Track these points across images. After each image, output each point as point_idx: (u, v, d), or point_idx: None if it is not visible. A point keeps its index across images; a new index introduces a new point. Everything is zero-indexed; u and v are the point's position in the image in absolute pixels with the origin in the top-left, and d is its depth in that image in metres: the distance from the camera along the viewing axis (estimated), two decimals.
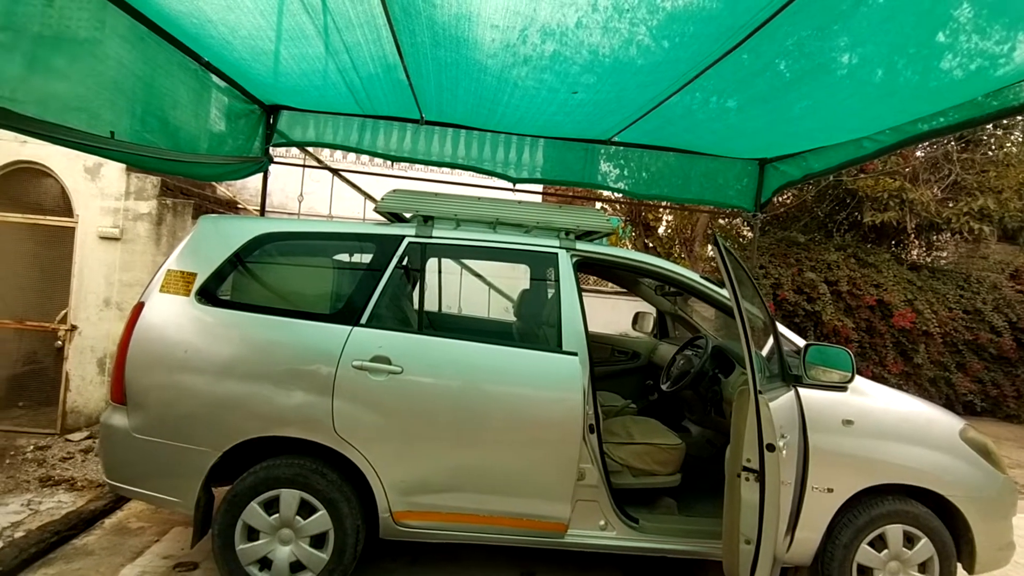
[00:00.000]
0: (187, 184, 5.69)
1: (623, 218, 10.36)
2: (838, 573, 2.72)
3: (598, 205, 11.41)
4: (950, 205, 9.34)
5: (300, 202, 5.84)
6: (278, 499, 2.55)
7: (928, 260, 10.58)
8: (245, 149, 4.19)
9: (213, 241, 2.79)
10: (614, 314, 7.66)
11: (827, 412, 2.73)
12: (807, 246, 9.32)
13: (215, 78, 3.47)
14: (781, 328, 2.88)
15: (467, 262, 3.30)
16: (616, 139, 4.83)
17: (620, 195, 5.28)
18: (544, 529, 2.66)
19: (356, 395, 2.57)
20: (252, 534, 2.55)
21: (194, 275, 2.68)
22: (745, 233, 11.15)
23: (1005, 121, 10.22)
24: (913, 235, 9.98)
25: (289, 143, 4.67)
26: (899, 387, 8.79)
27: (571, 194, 8.41)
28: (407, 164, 7.34)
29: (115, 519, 3.25)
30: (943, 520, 2.77)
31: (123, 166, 4.91)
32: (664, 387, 3.56)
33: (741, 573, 2.17)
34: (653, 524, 2.76)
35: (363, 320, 2.68)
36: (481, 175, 5.22)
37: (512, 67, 2.93)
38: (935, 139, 4.04)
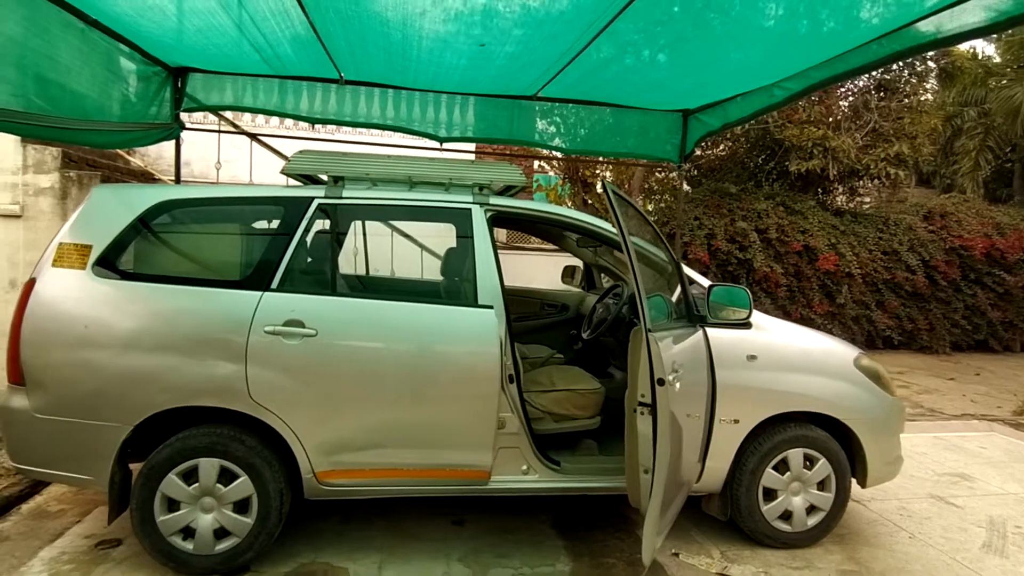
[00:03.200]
0: (94, 155, 5.37)
1: (561, 175, 10.39)
2: (746, 497, 2.92)
3: (536, 164, 11.39)
4: (869, 152, 9.76)
5: (218, 170, 5.60)
6: (197, 469, 2.53)
7: (852, 206, 11.08)
8: (149, 114, 3.97)
9: (110, 211, 2.67)
10: (557, 271, 7.79)
11: (733, 349, 2.88)
12: (739, 196, 9.60)
13: (107, 38, 3.25)
14: (688, 271, 3.00)
15: (381, 222, 3.27)
16: (542, 94, 4.82)
17: (559, 153, 5.31)
18: (468, 477, 2.74)
19: (270, 361, 2.55)
20: (172, 505, 2.53)
21: (89, 247, 2.57)
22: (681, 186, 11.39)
23: (919, 68, 10.66)
24: (836, 182, 10.41)
25: (202, 107, 4.44)
26: (825, 327, 9.36)
27: (508, 152, 8.35)
28: (332, 127, 7.16)
29: (33, 504, 3.16)
30: (839, 441, 3.00)
31: (17, 138, 4.59)
32: (584, 335, 3.67)
33: (642, 500, 2.31)
34: (574, 465, 2.88)
35: (274, 285, 2.64)
36: (409, 136, 5.15)
37: (413, 19, 2.86)
38: (837, 83, 4.18)
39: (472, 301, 2.76)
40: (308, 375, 2.58)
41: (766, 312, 9.20)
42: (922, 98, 11.14)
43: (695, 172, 11.45)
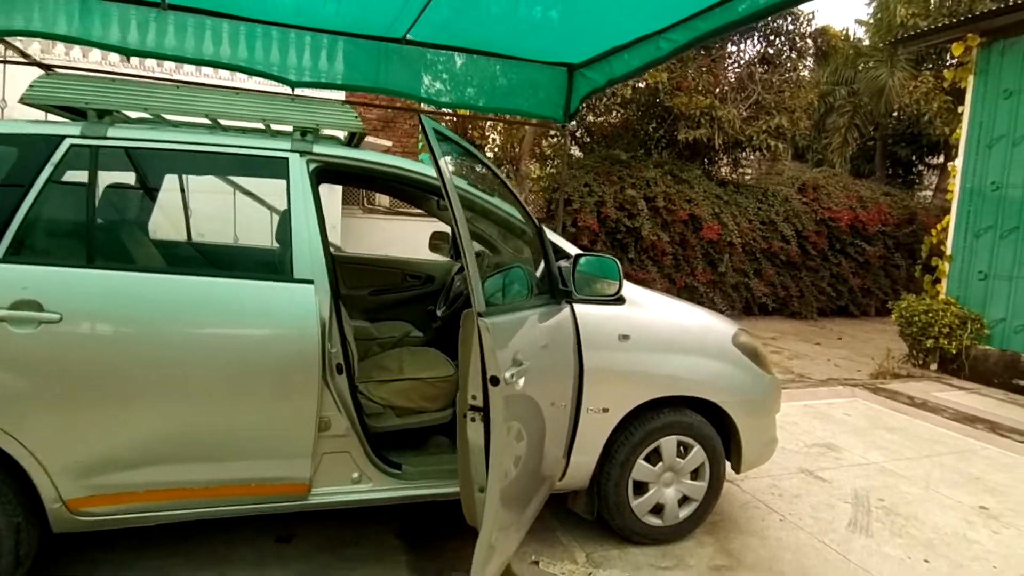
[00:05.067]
0: None
1: None
2: (615, 493, 2.61)
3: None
4: (752, 124, 9.94)
5: (3, 109, 4.51)
6: None
7: (735, 176, 11.37)
8: None
9: None
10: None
11: (603, 328, 2.52)
12: (629, 164, 9.47)
13: None
14: (556, 238, 2.58)
15: (166, 172, 2.58)
16: (411, 37, 4.22)
17: (435, 107, 4.78)
18: (281, 493, 2.21)
19: None
20: None
21: None
22: (574, 152, 11.15)
23: (799, 44, 10.97)
24: (721, 152, 10.57)
25: None
26: (707, 295, 9.55)
27: (383, 104, 7.61)
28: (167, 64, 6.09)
29: None
30: (713, 424, 2.76)
31: None
32: (439, 312, 3.20)
33: (479, 521, 1.89)
34: (419, 469, 2.42)
35: None
36: (254, 78, 4.36)
37: None
38: (724, 34, 3.95)
39: (286, 274, 2.18)
40: (48, 375, 1.92)
41: (653, 281, 9.13)
42: (801, 74, 11.53)
43: (588, 138, 11.23)
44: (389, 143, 9.00)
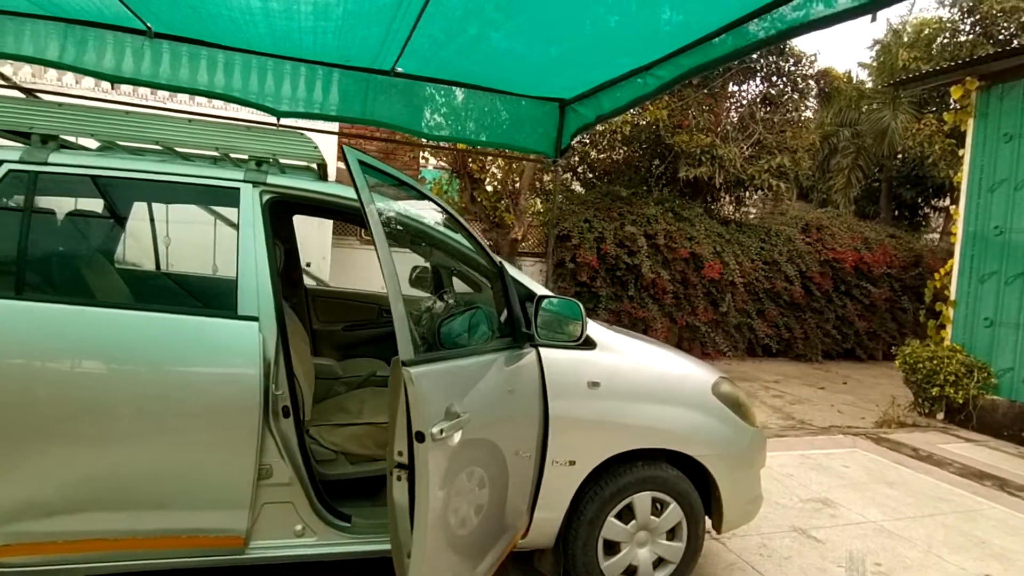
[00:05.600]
0: None
1: (450, 170, 9.76)
2: (583, 552, 2.41)
3: (424, 158, 10.71)
4: (754, 163, 9.89)
5: None
6: None
7: (738, 216, 11.27)
8: None
9: None
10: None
11: (571, 374, 2.37)
12: (629, 200, 9.40)
13: None
14: (522, 277, 2.45)
15: (113, 201, 2.49)
16: (399, 69, 4.20)
17: (445, 143, 4.77)
18: (213, 547, 2.04)
19: None
20: None
21: None
22: (575, 187, 11.13)
23: (801, 85, 10.99)
24: (723, 191, 10.51)
25: None
26: (709, 335, 9.34)
27: (382, 136, 7.62)
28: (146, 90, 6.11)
29: None
30: (692, 479, 2.57)
31: None
32: None
33: None
34: (371, 521, 2.25)
35: None
36: (245, 108, 4.34)
37: None
38: (710, 70, 3.90)
39: (229, 310, 2.06)
40: None
41: (653, 320, 8.92)
42: (803, 115, 11.53)
43: (590, 174, 11.22)
44: None
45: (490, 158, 9.07)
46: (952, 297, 6.72)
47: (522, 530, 2.32)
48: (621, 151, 10.98)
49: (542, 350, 2.32)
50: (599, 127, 9.93)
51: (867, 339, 10.53)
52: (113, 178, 2.11)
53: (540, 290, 2.42)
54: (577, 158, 10.84)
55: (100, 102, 3.31)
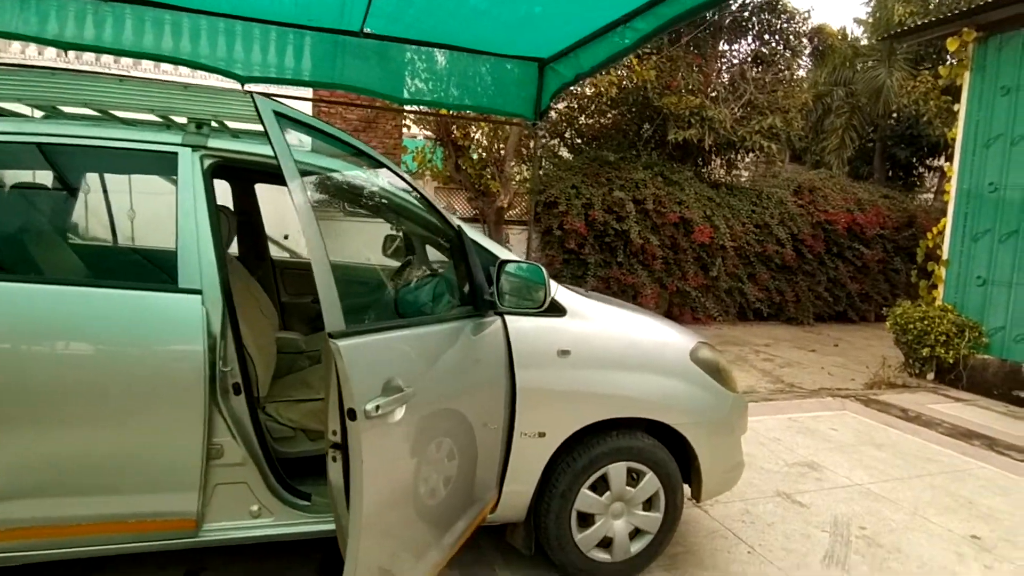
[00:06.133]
0: None
1: (433, 139, 9.50)
2: (555, 525, 2.33)
3: (408, 125, 10.42)
4: (745, 124, 9.66)
5: None
6: None
7: (730, 179, 11.07)
8: None
9: None
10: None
11: (539, 343, 2.26)
12: (617, 165, 9.20)
13: None
14: (486, 242, 2.32)
15: (37, 168, 2.33)
16: (367, 30, 3.99)
17: (427, 109, 4.59)
18: (164, 530, 1.95)
19: None
20: None
21: None
22: (562, 153, 10.90)
23: (793, 43, 10.69)
24: (713, 153, 10.30)
25: None
26: (700, 300, 9.26)
27: (363, 103, 7.37)
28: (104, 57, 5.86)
29: None
30: (670, 448, 2.49)
31: None
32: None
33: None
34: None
35: None
36: (203, 72, 4.13)
37: None
38: (691, 19, 3.72)
39: (170, 283, 1.93)
40: None
41: (643, 286, 8.83)
42: (796, 74, 11.26)
43: (578, 140, 10.97)
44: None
45: (474, 125, 8.82)
46: (944, 256, 6.62)
47: (491, 504, 2.24)
48: (609, 115, 10.72)
49: (508, 318, 2.20)
50: (588, 92, 9.66)
51: (859, 301, 10.47)
52: (35, 144, 1.95)
53: (504, 254, 2.29)
54: (565, 123, 10.59)
55: (31, 67, 3.12)
